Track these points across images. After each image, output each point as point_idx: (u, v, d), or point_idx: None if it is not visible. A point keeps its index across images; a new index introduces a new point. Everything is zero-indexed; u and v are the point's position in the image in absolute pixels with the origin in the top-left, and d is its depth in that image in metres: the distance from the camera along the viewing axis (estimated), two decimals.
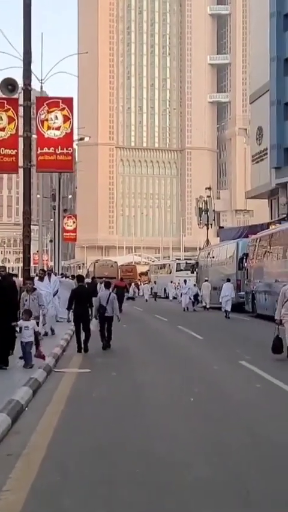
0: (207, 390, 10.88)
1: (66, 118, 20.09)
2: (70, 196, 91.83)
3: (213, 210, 76.03)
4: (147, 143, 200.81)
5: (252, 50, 79.28)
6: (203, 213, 75.91)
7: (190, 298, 37.09)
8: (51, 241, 64.58)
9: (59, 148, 20.12)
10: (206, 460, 6.76)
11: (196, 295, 37.57)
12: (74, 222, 58.24)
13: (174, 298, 56.23)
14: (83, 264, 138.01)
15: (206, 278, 41.19)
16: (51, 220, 56.56)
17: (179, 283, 52.74)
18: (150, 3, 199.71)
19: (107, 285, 18.22)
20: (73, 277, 37.68)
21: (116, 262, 66.57)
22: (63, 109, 20.11)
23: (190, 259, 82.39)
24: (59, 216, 45.44)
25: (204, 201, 76.24)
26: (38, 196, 40.50)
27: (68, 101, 20.49)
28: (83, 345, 16.48)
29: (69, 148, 20.28)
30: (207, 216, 75.11)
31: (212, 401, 9.94)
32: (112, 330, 17.74)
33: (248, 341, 20.40)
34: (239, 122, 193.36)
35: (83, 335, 16.67)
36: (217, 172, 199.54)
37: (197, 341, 20.35)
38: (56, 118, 20.02)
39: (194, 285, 37.89)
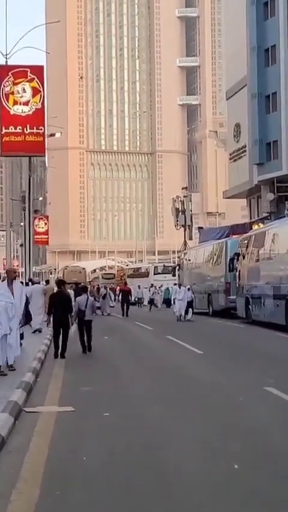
0: (249, 444, 7.46)
1: (35, 91, 16.66)
2: (41, 198, 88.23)
3: (191, 210, 72.83)
4: (117, 146, 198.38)
5: (227, 44, 76.28)
6: (180, 213, 72.83)
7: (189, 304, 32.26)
8: (21, 245, 61.05)
9: (28, 127, 16.68)
10: None
11: (191, 302, 32.35)
12: (45, 224, 54.53)
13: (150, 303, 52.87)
14: (55, 269, 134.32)
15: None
16: (22, 224, 53.00)
17: (160, 287, 49.30)
18: (118, 5, 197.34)
19: (84, 290, 18.62)
20: (47, 282, 34.40)
21: (84, 268, 69.93)
22: (32, 79, 16.66)
23: (162, 262, 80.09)
24: (29, 217, 41.82)
25: (181, 201, 73.11)
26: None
27: (38, 70, 17.04)
28: (60, 351, 16.49)
29: (40, 127, 16.90)
30: (185, 216, 72.08)
31: (265, 469, 6.49)
32: (91, 335, 17.83)
33: (258, 355, 17.04)
34: (209, 124, 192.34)
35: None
36: (188, 175, 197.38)
37: (197, 356, 16.94)
38: (24, 90, 16.60)
39: (188, 289, 32.66)
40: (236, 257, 31.07)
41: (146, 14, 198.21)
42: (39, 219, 54.27)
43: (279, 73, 50.60)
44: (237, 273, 30.47)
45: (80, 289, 18.95)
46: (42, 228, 54.13)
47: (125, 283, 43.89)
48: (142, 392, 11.35)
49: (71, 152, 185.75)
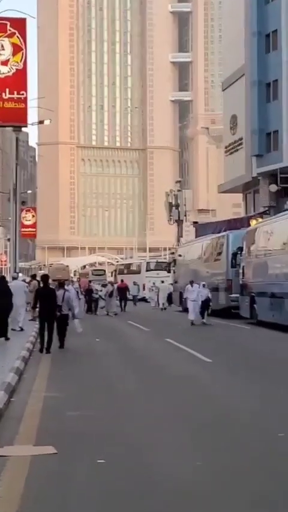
0: None
1: (16, 48, 13.97)
2: (30, 191, 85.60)
3: (184, 205, 70.19)
4: (108, 142, 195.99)
5: (224, 33, 73.86)
6: (174, 208, 70.20)
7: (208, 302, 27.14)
8: (9, 240, 58.34)
9: (7, 91, 13.95)
10: None
11: (207, 301, 26.91)
12: (33, 216, 51.56)
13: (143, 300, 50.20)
14: (44, 265, 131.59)
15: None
16: (10, 219, 50.30)
17: (154, 283, 46.60)
18: (110, 0, 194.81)
19: (61, 285, 18.88)
20: (33, 277, 31.70)
21: (67, 266, 72.83)
22: (13, 34, 14.01)
23: (154, 258, 78.36)
24: (16, 208, 38.96)
25: (174, 195, 70.43)
26: None
27: (19, 24, 14.39)
28: (46, 345, 16.74)
29: (21, 92, 14.17)
30: (178, 211, 69.44)
31: None
32: (67, 328, 18.04)
33: (279, 364, 14.36)
34: (201, 121, 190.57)
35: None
36: (179, 172, 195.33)
37: (207, 366, 14.25)
38: (2, 47, 13.78)
39: (204, 285, 27.64)
40: (239, 252, 28.46)
41: (139, 8, 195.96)
42: (26, 210, 51.37)
43: (280, 59, 48.18)
44: (241, 269, 27.82)
45: (58, 284, 19.18)
46: (30, 220, 51.22)
47: (122, 280, 41.79)
48: (146, 420, 8.60)
49: (61, 147, 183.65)
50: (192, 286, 27.63)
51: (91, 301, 36.50)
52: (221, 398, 10.38)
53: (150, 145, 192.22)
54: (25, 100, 14.41)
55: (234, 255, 29.16)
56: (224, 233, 33.95)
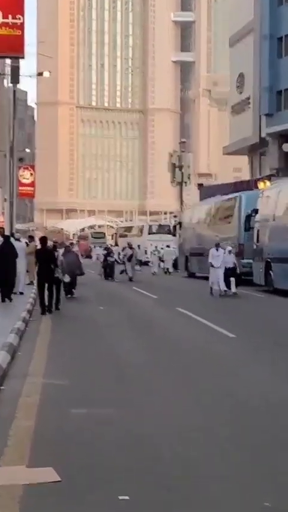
0: None
1: None
2: (28, 150, 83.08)
3: (188, 166, 67.83)
4: (108, 103, 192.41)
5: None
6: (177, 169, 67.72)
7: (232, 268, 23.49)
8: (5, 200, 56.15)
9: (1, 15, 11.59)
10: None
11: (234, 269, 23.48)
12: (31, 174, 49.09)
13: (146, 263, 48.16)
14: (43, 227, 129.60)
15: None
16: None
17: (156, 247, 44.50)
18: None
19: (54, 248, 18.93)
20: (31, 238, 29.65)
21: (62, 228, 76.56)
22: None
23: (156, 222, 77.12)
24: (12, 166, 36.80)
25: (178, 156, 67.91)
26: None
27: None
28: (48, 307, 16.69)
29: (18, 16, 11.81)
30: (182, 173, 66.99)
31: None
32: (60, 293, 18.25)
33: None
34: (203, 83, 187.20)
35: None
36: (180, 135, 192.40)
37: (231, 343, 12.25)
38: None
39: (230, 251, 23.82)
40: (253, 214, 26.33)
41: None
42: (24, 168, 48.95)
43: None
44: (255, 233, 25.71)
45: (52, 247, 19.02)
46: (28, 179, 48.75)
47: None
48: (178, 424, 6.44)
49: (61, 107, 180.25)
50: (217, 250, 23.86)
51: (107, 265, 33.71)
52: (268, 389, 8.33)
53: (151, 107, 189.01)
54: (22, 26, 12.19)
55: (248, 217, 27.07)
56: (235, 194, 31.78)
